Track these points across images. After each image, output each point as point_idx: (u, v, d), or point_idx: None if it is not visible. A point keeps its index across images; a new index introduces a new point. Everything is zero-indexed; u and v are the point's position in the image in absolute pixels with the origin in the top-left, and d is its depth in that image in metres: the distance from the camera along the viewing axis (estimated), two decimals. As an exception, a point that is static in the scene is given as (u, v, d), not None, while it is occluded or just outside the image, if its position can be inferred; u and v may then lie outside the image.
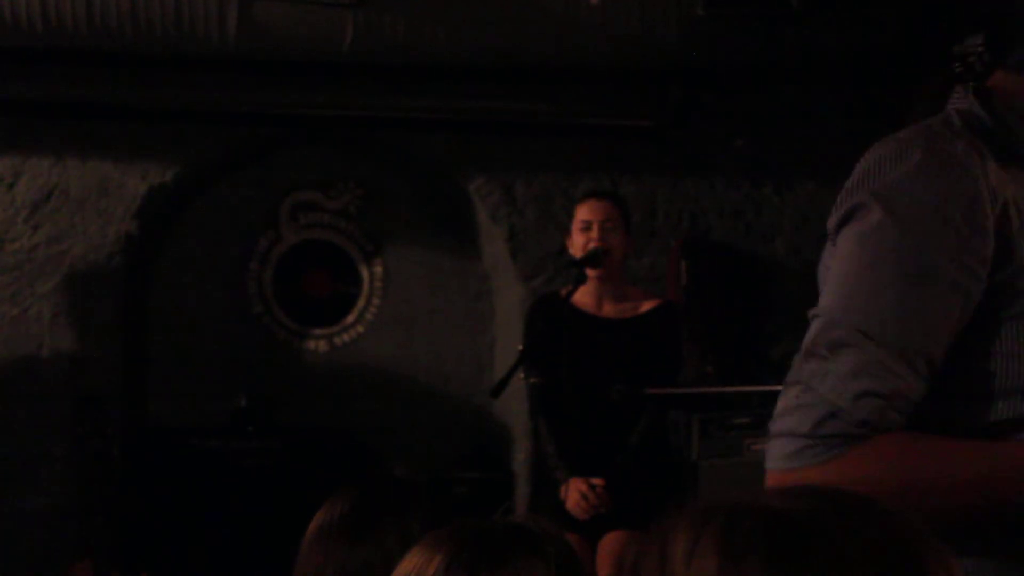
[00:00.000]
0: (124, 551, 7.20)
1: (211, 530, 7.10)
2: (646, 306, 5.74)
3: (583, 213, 5.70)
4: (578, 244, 5.66)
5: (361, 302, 7.92)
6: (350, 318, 7.91)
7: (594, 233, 5.62)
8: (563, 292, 5.75)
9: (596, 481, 5.48)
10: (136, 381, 7.63)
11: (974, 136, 1.97)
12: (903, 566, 1.18)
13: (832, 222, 1.99)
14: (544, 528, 1.87)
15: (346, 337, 7.90)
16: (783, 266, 7.69)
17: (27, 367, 7.30)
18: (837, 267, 1.95)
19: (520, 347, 5.83)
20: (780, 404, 1.91)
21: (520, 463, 7.48)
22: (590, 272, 5.62)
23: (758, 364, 7.62)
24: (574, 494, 5.47)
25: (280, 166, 7.89)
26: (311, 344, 7.89)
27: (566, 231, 5.87)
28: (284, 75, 7.32)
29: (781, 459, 1.87)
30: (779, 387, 1.93)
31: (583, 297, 5.69)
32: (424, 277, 7.93)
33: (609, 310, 5.72)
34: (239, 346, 7.78)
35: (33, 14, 6.66)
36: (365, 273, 7.93)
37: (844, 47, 7.24)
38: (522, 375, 5.63)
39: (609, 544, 5.49)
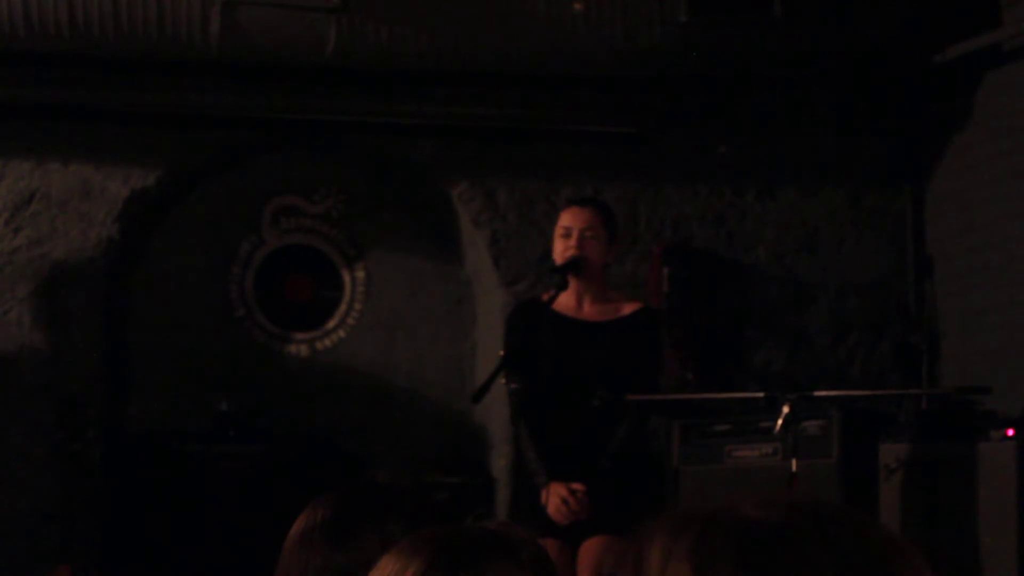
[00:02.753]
0: (104, 555, 7.18)
1: (191, 534, 7.08)
2: (627, 309, 5.75)
3: (564, 220, 5.71)
4: (558, 250, 5.67)
5: (343, 307, 7.91)
6: (332, 322, 7.90)
7: (572, 241, 5.62)
8: (544, 297, 5.76)
9: (576, 486, 5.48)
10: (117, 385, 7.61)
11: None
12: (877, 576, 1.18)
13: None
14: (519, 534, 1.88)
15: (327, 342, 7.89)
16: (765, 273, 7.70)
17: (7, 370, 7.27)
18: None
19: (501, 352, 5.84)
20: None
21: (501, 468, 7.48)
22: (571, 278, 5.63)
23: (739, 371, 7.62)
24: (554, 499, 5.47)
25: (262, 170, 7.88)
26: (292, 348, 7.88)
27: (548, 237, 5.88)
28: (267, 79, 7.32)
29: None
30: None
31: (564, 301, 5.70)
32: (406, 282, 7.92)
33: (589, 312, 5.73)
34: (220, 350, 7.76)
35: (15, 17, 6.64)
36: (347, 278, 7.92)
37: (827, 53, 7.25)
38: (503, 380, 5.64)
39: (589, 549, 5.49)
